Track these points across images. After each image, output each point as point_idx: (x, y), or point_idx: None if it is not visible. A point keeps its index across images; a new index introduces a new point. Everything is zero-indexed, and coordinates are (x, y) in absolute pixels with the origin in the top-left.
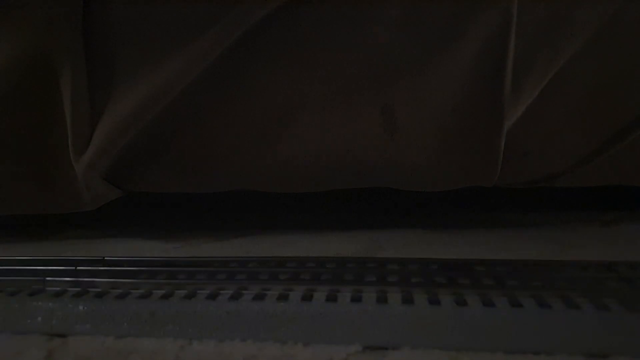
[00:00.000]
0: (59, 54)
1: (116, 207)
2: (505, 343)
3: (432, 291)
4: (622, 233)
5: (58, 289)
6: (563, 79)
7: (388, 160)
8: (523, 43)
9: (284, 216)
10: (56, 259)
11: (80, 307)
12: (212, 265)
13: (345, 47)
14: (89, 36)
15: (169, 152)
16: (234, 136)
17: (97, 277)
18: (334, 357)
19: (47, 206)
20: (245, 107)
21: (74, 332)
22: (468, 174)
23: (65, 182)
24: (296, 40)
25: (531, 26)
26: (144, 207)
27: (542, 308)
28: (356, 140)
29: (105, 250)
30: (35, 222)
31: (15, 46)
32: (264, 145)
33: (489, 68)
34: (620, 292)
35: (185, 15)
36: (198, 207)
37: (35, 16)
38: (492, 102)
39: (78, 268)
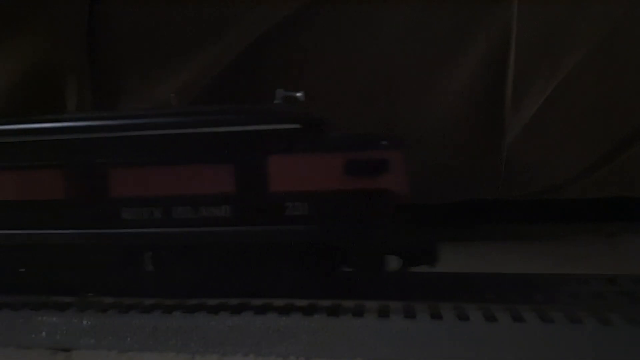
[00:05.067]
0: (65, 69)
1: None
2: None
3: (434, 305)
4: (626, 244)
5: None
6: (564, 92)
7: None
8: (523, 57)
9: None
10: None
11: (84, 322)
12: None
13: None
14: (94, 52)
15: None
16: None
17: None
18: None
19: None
20: None
21: (78, 346)
22: (470, 187)
23: None
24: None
25: (531, 40)
26: None
27: (545, 322)
28: None
29: None
30: None
31: (22, 62)
32: None
33: (489, 82)
34: (622, 306)
35: (189, 31)
36: None
37: (41, 33)
38: (493, 115)
39: None
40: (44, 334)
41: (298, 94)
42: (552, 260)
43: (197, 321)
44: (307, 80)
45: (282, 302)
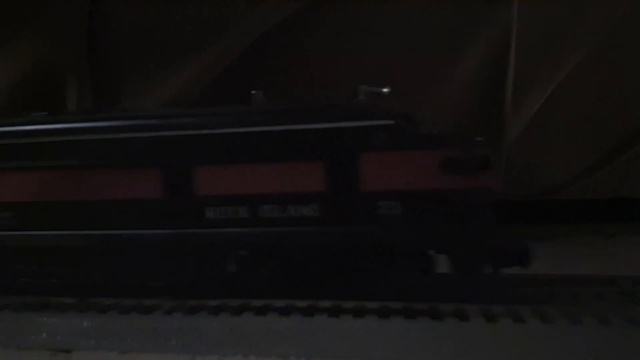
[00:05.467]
0: (65, 69)
1: None
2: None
3: (435, 307)
4: (626, 245)
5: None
6: (564, 93)
7: None
8: (523, 57)
9: None
10: None
11: (85, 323)
12: None
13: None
14: (94, 52)
15: None
16: None
17: None
18: None
19: None
20: None
21: (78, 347)
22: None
23: None
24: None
25: (531, 40)
26: None
27: (545, 322)
28: None
29: None
30: None
31: (22, 62)
32: None
33: (490, 83)
34: (622, 306)
35: (189, 31)
36: None
37: (42, 33)
38: (493, 115)
39: None
40: (44, 334)
41: (384, 90)
42: (552, 261)
43: (198, 322)
44: (307, 80)
45: (282, 302)
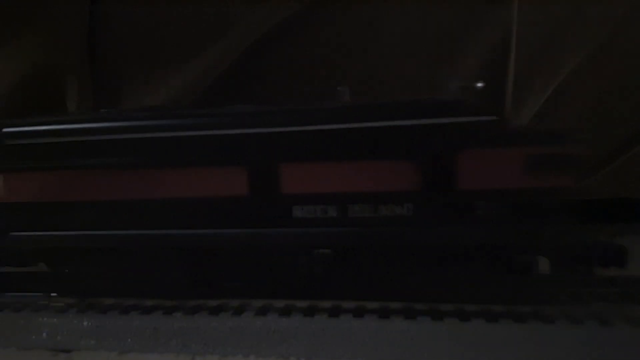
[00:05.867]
0: (66, 69)
1: None
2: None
3: (434, 308)
4: (626, 245)
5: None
6: (564, 93)
7: None
8: (523, 57)
9: None
10: None
11: (85, 323)
12: None
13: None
14: (94, 52)
15: None
16: None
17: None
18: None
19: None
20: None
21: (79, 347)
22: None
23: None
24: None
25: (531, 42)
26: None
27: (545, 322)
28: None
29: None
30: None
31: (23, 62)
32: None
33: (489, 82)
34: (622, 306)
35: (189, 31)
36: None
37: (42, 34)
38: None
39: None
40: (44, 335)
41: (478, 84)
42: None
43: (198, 322)
44: (307, 80)
45: (282, 303)
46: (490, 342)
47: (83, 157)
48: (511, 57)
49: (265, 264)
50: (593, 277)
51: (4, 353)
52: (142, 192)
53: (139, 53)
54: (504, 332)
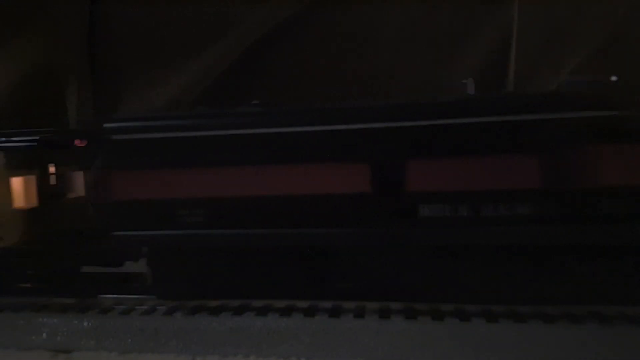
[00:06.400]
0: (65, 69)
1: None
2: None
3: (435, 308)
4: None
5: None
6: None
7: None
8: (523, 57)
9: None
10: None
11: (85, 323)
12: None
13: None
14: (94, 52)
15: None
16: None
17: None
18: None
19: None
20: None
21: (79, 347)
22: None
23: None
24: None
25: (531, 40)
26: None
27: (545, 322)
28: None
29: None
30: None
31: (22, 62)
32: None
33: (489, 82)
34: (622, 307)
35: (189, 31)
36: None
37: (42, 34)
38: None
39: None
40: (44, 335)
41: (613, 78)
42: None
43: (198, 322)
44: (307, 80)
45: (282, 303)
46: (491, 342)
47: (203, 153)
48: (511, 57)
49: (386, 264)
50: None
51: (3, 353)
52: (261, 189)
53: (139, 53)
54: (504, 332)
